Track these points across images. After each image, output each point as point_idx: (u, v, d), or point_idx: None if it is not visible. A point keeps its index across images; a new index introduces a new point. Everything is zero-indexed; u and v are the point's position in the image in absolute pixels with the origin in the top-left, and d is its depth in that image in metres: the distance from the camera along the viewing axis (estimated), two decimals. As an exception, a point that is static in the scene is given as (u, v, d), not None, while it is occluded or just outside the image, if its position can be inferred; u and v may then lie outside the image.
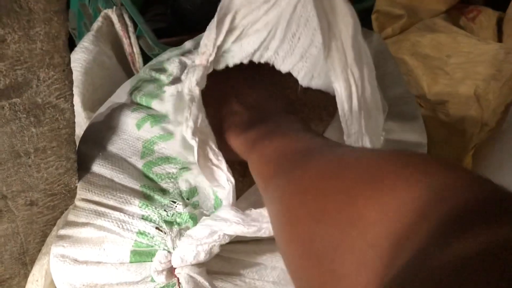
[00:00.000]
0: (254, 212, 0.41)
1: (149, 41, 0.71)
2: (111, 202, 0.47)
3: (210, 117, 0.45)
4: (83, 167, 0.49)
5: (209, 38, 0.44)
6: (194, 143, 0.43)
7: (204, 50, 0.44)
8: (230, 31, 0.44)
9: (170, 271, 0.45)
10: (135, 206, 0.46)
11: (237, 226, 0.41)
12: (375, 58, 0.55)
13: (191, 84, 0.44)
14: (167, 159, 0.48)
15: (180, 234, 0.45)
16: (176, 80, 0.49)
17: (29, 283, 0.53)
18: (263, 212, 0.41)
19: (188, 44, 0.55)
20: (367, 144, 0.41)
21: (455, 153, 0.81)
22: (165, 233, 0.45)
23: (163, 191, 0.47)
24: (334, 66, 0.39)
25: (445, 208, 0.21)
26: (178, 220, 0.45)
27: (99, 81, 0.67)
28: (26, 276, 0.54)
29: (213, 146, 0.44)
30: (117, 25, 0.71)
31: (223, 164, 0.44)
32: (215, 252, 0.44)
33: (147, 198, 0.47)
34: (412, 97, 0.60)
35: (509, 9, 0.85)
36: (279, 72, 0.45)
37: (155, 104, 0.50)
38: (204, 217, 0.44)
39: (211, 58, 0.44)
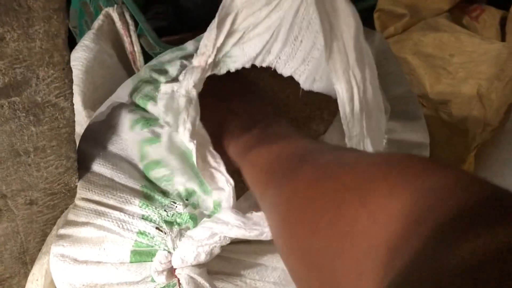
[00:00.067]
0: (255, 216, 0.41)
1: (150, 39, 0.70)
2: (111, 202, 0.47)
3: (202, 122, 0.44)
4: (83, 166, 0.49)
5: (209, 39, 0.43)
6: (192, 145, 0.42)
7: (204, 51, 0.44)
8: (230, 33, 0.43)
9: (171, 272, 0.44)
10: (135, 206, 0.46)
11: (238, 230, 0.41)
12: (377, 57, 0.55)
13: (189, 85, 0.43)
14: (158, 163, 0.48)
15: (180, 234, 0.45)
16: (173, 79, 0.48)
17: (29, 283, 0.53)
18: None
19: (190, 47, 0.55)
20: (368, 146, 0.40)
21: (457, 153, 0.81)
22: (165, 233, 0.44)
23: (163, 192, 0.47)
24: (335, 68, 0.39)
25: (441, 211, 0.20)
26: (178, 220, 0.45)
27: (100, 79, 0.67)
28: (26, 275, 0.54)
29: (211, 148, 0.44)
30: (118, 24, 0.71)
31: (222, 166, 0.43)
32: (215, 253, 0.44)
33: (147, 198, 0.46)
34: (414, 97, 0.60)
35: (513, 8, 0.85)
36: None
37: (150, 107, 0.50)
38: (205, 219, 0.44)
39: (210, 60, 0.44)
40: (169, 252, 0.44)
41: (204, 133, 0.43)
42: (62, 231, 0.48)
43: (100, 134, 0.52)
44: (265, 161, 0.38)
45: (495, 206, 0.20)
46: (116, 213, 0.46)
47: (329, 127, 0.54)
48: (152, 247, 0.45)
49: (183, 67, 0.49)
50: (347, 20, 0.38)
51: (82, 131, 0.54)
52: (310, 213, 0.29)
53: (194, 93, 0.43)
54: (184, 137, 0.43)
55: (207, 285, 0.43)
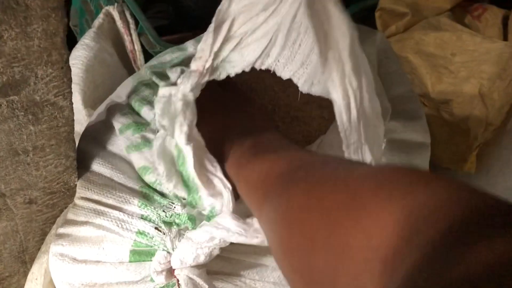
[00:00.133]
0: (256, 222, 0.41)
1: (150, 38, 0.70)
2: (110, 201, 0.46)
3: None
4: (82, 165, 0.49)
5: (205, 43, 0.43)
6: (189, 149, 0.42)
7: (201, 55, 0.43)
8: (227, 39, 0.43)
9: (170, 272, 0.44)
10: (135, 205, 0.46)
11: (239, 237, 0.41)
12: (378, 56, 0.55)
13: (186, 89, 0.43)
14: (148, 168, 0.47)
15: (179, 234, 0.44)
16: (172, 83, 0.48)
17: (28, 282, 0.53)
18: None
19: (190, 46, 0.55)
20: (367, 153, 0.40)
21: (459, 152, 0.80)
22: (164, 234, 0.44)
23: (162, 193, 0.47)
24: (332, 77, 0.38)
25: (433, 226, 0.20)
26: (177, 221, 0.45)
27: (100, 78, 0.67)
28: (25, 274, 0.54)
29: (207, 152, 0.43)
30: (119, 22, 0.70)
31: (219, 171, 0.43)
32: (215, 254, 0.43)
33: (146, 198, 0.46)
34: (416, 96, 0.59)
35: (515, 7, 0.85)
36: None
37: (145, 111, 0.50)
38: (204, 222, 0.43)
39: (207, 64, 0.43)
40: (168, 252, 0.44)
41: (200, 138, 0.43)
42: (61, 230, 0.48)
43: (99, 133, 0.52)
44: (258, 179, 0.38)
45: (487, 218, 0.20)
46: (116, 213, 0.46)
47: (330, 127, 0.54)
48: (151, 247, 0.45)
49: (183, 73, 0.49)
50: (342, 30, 0.38)
51: (82, 130, 0.53)
52: (306, 232, 0.29)
53: (191, 97, 0.43)
54: (180, 140, 0.42)
55: (206, 286, 0.43)
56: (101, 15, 0.71)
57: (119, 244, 0.45)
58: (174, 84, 0.47)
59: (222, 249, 0.44)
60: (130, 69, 0.72)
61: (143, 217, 0.45)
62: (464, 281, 0.16)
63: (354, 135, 0.39)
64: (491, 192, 0.21)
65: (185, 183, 0.44)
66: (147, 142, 0.48)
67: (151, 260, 0.45)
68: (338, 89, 0.38)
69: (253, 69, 0.44)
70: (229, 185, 0.43)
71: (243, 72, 0.44)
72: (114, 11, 0.70)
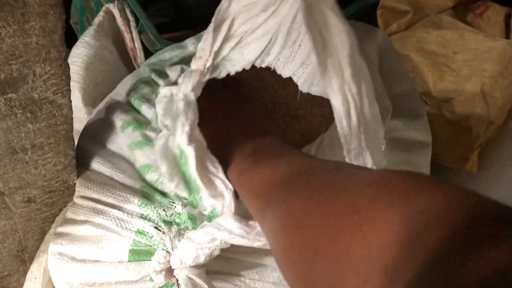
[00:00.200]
0: (258, 225, 0.40)
1: (151, 36, 0.70)
2: (110, 200, 0.46)
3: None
4: (82, 164, 0.49)
5: (205, 43, 0.43)
6: (191, 150, 0.41)
7: (201, 55, 0.43)
8: (227, 38, 0.43)
9: (169, 272, 0.44)
10: (135, 204, 0.45)
11: (241, 239, 0.41)
12: (379, 55, 0.55)
13: (187, 89, 0.43)
14: (150, 167, 0.47)
15: (179, 234, 0.44)
16: (172, 83, 0.48)
17: (27, 281, 0.52)
18: None
19: (190, 46, 0.54)
20: (368, 159, 0.40)
21: (460, 151, 0.80)
22: (163, 233, 0.44)
23: (162, 192, 0.46)
24: (331, 83, 0.38)
25: (433, 234, 0.20)
26: (177, 220, 0.45)
27: (100, 76, 0.66)
28: (25, 273, 0.54)
29: (209, 153, 0.43)
30: (119, 20, 0.70)
31: (220, 172, 0.43)
32: (215, 255, 0.43)
33: (146, 197, 0.46)
34: (417, 94, 0.59)
35: (517, 5, 0.84)
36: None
37: (144, 109, 0.49)
38: (205, 222, 0.43)
39: (208, 64, 0.43)
40: (167, 252, 0.44)
41: (201, 139, 0.43)
42: (60, 229, 0.47)
43: (99, 131, 0.51)
44: (259, 186, 0.38)
45: (487, 224, 0.20)
46: (115, 212, 0.45)
47: (330, 126, 0.54)
48: (150, 246, 0.45)
49: (183, 72, 0.49)
50: (341, 37, 0.38)
51: (82, 128, 0.53)
52: (307, 240, 0.29)
53: (192, 97, 0.43)
54: (182, 140, 0.42)
55: (206, 286, 0.43)
56: (101, 13, 0.70)
57: (118, 243, 0.45)
58: (174, 83, 0.47)
59: (221, 249, 0.44)
60: (130, 67, 0.71)
61: (142, 217, 0.45)
62: (479, 282, 0.16)
63: (354, 141, 0.39)
64: (493, 192, 0.21)
65: (187, 183, 0.44)
66: (148, 140, 0.48)
67: (150, 260, 0.45)
68: (337, 96, 0.38)
69: (253, 67, 0.44)
70: (230, 186, 0.42)
71: (243, 70, 0.44)
72: (114, 8, 0.70)
